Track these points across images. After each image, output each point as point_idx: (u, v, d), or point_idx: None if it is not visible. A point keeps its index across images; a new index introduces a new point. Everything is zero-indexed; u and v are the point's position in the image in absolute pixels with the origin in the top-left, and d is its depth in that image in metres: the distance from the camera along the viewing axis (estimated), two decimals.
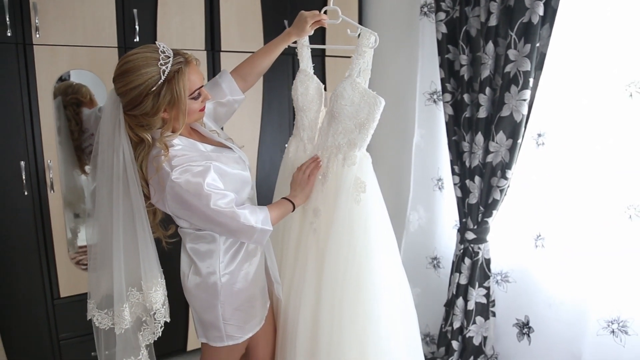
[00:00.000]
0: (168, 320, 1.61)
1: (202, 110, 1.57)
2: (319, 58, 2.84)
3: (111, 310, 1.55)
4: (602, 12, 1.94)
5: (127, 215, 1.51)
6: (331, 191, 1.72)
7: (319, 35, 2.73)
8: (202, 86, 1.53)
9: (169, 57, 1.43)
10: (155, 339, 1.63)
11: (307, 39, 1.88)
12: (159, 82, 1.41)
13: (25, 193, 2.24)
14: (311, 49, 1.94)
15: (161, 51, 1.43)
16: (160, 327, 1.59)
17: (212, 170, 1.48)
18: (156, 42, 1.48)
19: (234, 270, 1.62)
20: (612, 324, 2.00)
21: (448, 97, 2.42)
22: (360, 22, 3.00)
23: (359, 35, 1.71)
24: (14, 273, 2.27)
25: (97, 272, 1.58)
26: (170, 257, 1.77)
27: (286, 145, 1.98)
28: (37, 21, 2.15)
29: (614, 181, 1.96)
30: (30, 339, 2.35)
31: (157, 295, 1.55)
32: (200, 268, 1.60)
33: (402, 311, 1.80)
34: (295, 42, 1.87)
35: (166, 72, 1.41)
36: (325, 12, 1.81)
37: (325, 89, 1.89)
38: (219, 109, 1.81)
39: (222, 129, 1.85)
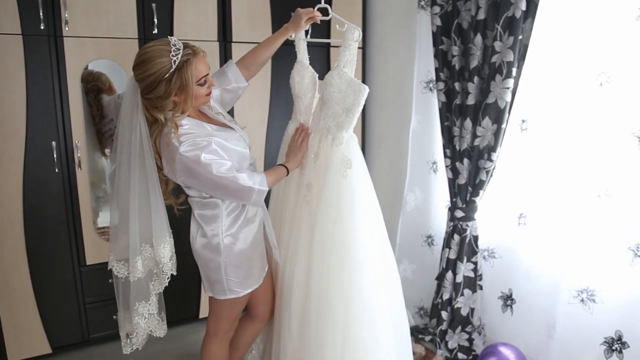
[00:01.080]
0: (174, 273, 1.85)
1: (208, 95, 1.80)
2: (324, 49, 3.04)
3: (127, 263, 1.81)
4: (578, 7, 2.10)
5: (143, 183, 1.75)
6: (322, 168, 1.93)
7: (324, 28, 2.93)
8: (207, 74, 1.75)
9: (179, 50, 1.66)
10: (163, 289, 1.87)
11: (303, 33, 2.07)
12: (171, 71, 1.64)
13: (56, 170, 2.50)
14: (308, 41, 2.13)
15: (173, 44, 1.66)
16: (167, 278, 1.84)
17: (213, 144, 1.71)
18: (168, 36, 1.71)
19: (235, 232, 1.85)
20: (582, 293, 2.19)
21: (441, 85, 2.61)
22: (364, 15, 3.19)
23: (345, 30, 1.90)
24: (47, 242, 2.54)
25: (116, 230, 1.84)
26: (181, 221, 2.00)
27: (289, 123, 2.20)
28: (66, 15, 2.39)
29: (586, 164, 2.13)
30: (61, 302, 2.63)
31: (165, 250, 1.80)
32: (206, 231, 1.84)
33: (385, 272, 1.99)
34: (292, 36, 2.06)
35: (177, 62, 1.64)
36: (318, 9, 2.00)
37: (319, 78, 2.08)
38: (225, 94, 2.03)
39: (231, 114, 2.07)
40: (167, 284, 1.87)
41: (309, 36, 2.12)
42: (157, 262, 1.82)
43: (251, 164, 1.94)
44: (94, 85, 2.64)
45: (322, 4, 2.02)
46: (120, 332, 1.94)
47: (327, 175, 1.89)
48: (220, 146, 1.73)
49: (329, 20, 2.02)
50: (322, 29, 2.88)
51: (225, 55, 2.80)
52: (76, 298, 2.66)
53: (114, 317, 2.01)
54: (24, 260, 2.50)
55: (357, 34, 1.86)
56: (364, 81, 3.26)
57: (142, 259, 1.80)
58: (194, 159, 1.68)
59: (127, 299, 1.86)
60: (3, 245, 2.44)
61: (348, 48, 1.87)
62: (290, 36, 2.05)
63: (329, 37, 2.96)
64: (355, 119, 1.90)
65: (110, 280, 1.91)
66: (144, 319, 1.86)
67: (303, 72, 2.06)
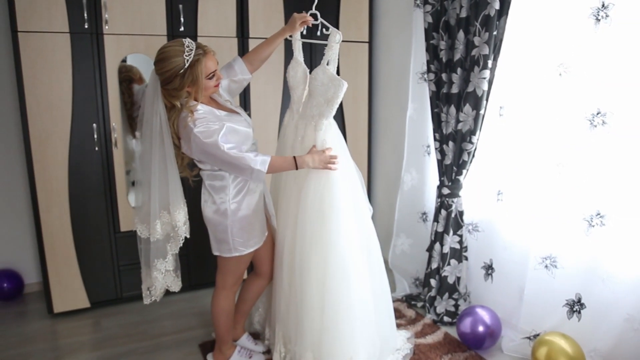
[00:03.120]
0: (188, 236, 2.20)
1: (217, 86, 2.14)
2: None
3: (149, 225, 2.17)
4: (541, 6, 2.38)
5: (161, 158, 2.10)
6: (306, 149, 2.24)
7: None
8: (215, 70, 2.09)
9: (192, 50, 2.00)
10: (177, 250, 2.22)
11: (299, 34, 2.39)
12: (184, 68, 1.99)
13: (96, 149, 2.92)
14: (309, 41, 2.47)
15: (186, 46, 2.00)
16: (182, 240, 2.19)
17: (225, 128, 2.05)
18: (183, 39, 2.04)
19: (239, 200, 2.20)
20: (546, 260, 2.46)
21: (432, 76, 2.91)
22: (370, 12, 3.51)
23: (329, 33, 2.21)
24: (87, 211, 2.97)
25: (140, 198, 2.21)
26: (196, 191, 2.37)
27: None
28: (106, 16, 2.80)
29: (547, 144, 2.41)
30: (98, 262, 3.05)
31: (180, 216, 2.15)
32: (215, 199, 2.19)
33: (362, 237, 2.29)
34: (290, 37, 2.39)
35: (189, 61, 1.99)
36: (311, 14, 2.32)
37: (310, 73, 2.38)
38: (232, 84, 2.38)
39: (247, 101, 2.38)
40: (181, 244, 2.21)
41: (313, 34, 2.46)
42: (173, 226, 2.16)
43: (253, 144, 2.28)
44: (127, 76, 3.04)
45: (313, 10, 2.34)
46: (142, 285, 2.29)
47: None
48: (232, 130, 2.07)
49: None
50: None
51: (243, 50, 3.17)
52: (111, 260, 3.08)
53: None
54: (68, 226, 2.93)
55: (338, 37, 2.19)
56: (369, 74, 3.58)
57: (161, 223, 2.14)
58: (207, 139, 2.02)
59: (148, 257, 2.22)
60: (51, 213, 2.87)
61: (331, 48, 2.20)
62: (289, 36, 2.38)
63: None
64: (334, 109, 2.20)
65: (140, 246, 2.29)
66: (161, 274, 2.21)
67: (297, 68, 2.38)
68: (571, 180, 2.33)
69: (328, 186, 2.19)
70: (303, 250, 2.22)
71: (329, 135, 2.22)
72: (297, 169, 2.16)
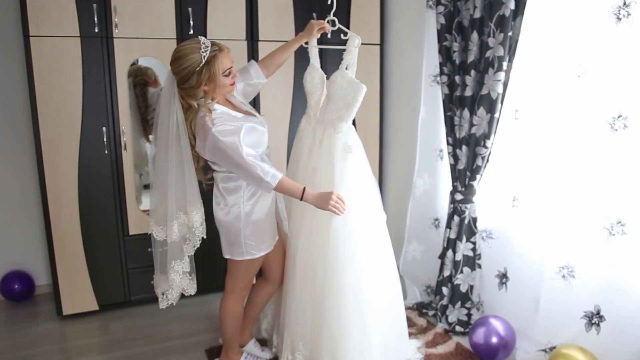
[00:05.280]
0: (204, 236, 2.18)
1: (232, 84, 2.12)
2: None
3: (165, 227, 2.14)
4: (559, 5, 2.29)
5: (178, 159, 2.09)
6: (325, 153, 2.22)
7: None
8: (231, 67, 2.07)
9: (208, 47, 1.99)
10: (194, 251, 2.19)
11: (315, 40, 2.37)
12: (201, 65, 1.98)
13: (106, 152, 2.92)
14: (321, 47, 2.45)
15: (202, 43, 1.99)
16: (199, 240, 2.17)
17: (244, 129, 2.03)
18: (199, 37, 2.04)
19: (253, 203, 2.17)
20: (563, 269, 2.36)
21: (445, 78, 2.84)
22: (382, 15, 3.45)
23: (348, 38, 2.20)
24: (97, 214, 2.96)
25: (156, 199, 2.18)
26: (210, 194, 2.33)
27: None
28: (116, 20, 2.80)
29: (565, 149, 2.31)
30: (107, 265, 3.05)
31: (197, 216, 2.13)
32: (229, 201, 2.16)
33: (376, 235, 2.26)
34: (307, 43, 2.37)
35: (205, 58, 1.98)
36: (328, 21, 2.30)
37: (327, 78, 2.36)
38: (247, 88, 2.37)
39: (257, 106, 2.36)
40: (198, 246, 2.19)
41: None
42: (190, 228, 2.14)
43: (267, 147, 2.25)
44: (141, 79, 3.05)
45: (331, 17, 2.31)
46: (156, 290, 2.27)
47: (331, 159, 2.19)
48: (251, 129, 2.05)
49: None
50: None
51: (252, 52, 3.14)
52: (120, 263, 3.07)
53: (152, 282, 2.38)
54: (77, 228, 2.93)
55: (357, 41, 2.17)
56: (381, 76, 3.52)
57: (178, 224, 2.12)
58: (223, 139, 1.99)
59: (164, 261, 2.20)
60: (61, 215, 2.88)
61: (350, 53, 2.19)
62: (305, 43, 2.36)
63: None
64: (353, 113, 2.19)
65: (149, 249, 2.26)
66: (178, 276, 2.18)
67: (314, 73, 2.38)
68: (590, 186, 2.23)
69: (350, 190, 2.15)
70: (318, 258, 2.18)
71: (350, 137, 2.20)
72: (300, 199, 2.11)
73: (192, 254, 2.21)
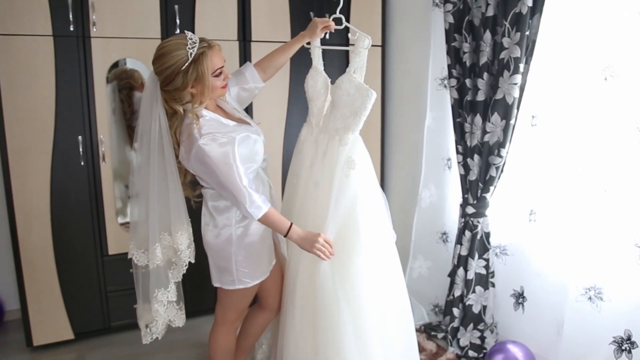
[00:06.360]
0: (192, 261, 1.92)
1: (224, 87, 1.87)
2: (343, 53, 3.10)
3: (147, 251, 1.88)
4: (582, 2, 2.10)
5: (162, 172, 1.84)
6: (328, 166, 1.99)
7: (344, 35, 3.00)
8: (222, 66, 1.82)
9: (195, 43, 1.74)
10: (181, 277, 1.94)
11: (318, 40, 2.15)
12: (187, 63, 1.73)
13: (82, 163, 2.64)
14: (323, 48, 2.21)
15: (189, 38, 1.75)
16: (185, 266, 1.91)
17: (236, 143, 1.78)
18: (185, 31, 1.80)
19: (246, 224, 1.91)
20: (589, 291, 2.15)
21: (454, 82, 2.63)
22: (384, 14, 3.24)
23: (356, 38, 1.97)
24: (71, 232, 2.67)
25: (136, 219, 1.93)
26: (198, 213, 2.08)
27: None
28: (94, 17, 2.53)
29: (591, 159, 2.12)
30: (83, 289, 2.75)
31: (183, 238, 1.88)
32: (218, 221, 1.91)
33: (385, 262, 2.02)
34: (309, 43, 2.15)
35: (193, 55, 1.73)
36: (333, 19, 2.08)
37: (331, 83, 2.14)
38: (242, 93, 2.12)
39: (250, 112, 2.14)
40: (184, 272, 1.93)
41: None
42: (176, 250, 1.89)
43: (264, 160, 2.03)
44: (127, 83, 2.79)
45: (337, 14, 2.10)
46: (140, 322, 2.01)
47: (333, 174, 1.96)
48: (240, 141, 1.80)
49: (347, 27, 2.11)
50: (343, 34, 2.92)
51: (244, 54, 2.90)
52: (98, 286, 2.79)
53: (134, 306, 2.13)
54: (50, 248, 2.64)
55: (367, 42, 1.94)
56: (383, 79, 3.31)
57: (162, 247, 1.87)
58: (211, 154, 1.75)
59: (147, 289, 1.93)
60: (31, 234, 2.59)
61: (358, 55, 1.95)
62: (307, 43, 2.13)
63: (348, 43, 3.04)
64: (361, 122, 1.96)
65: (130, 270, 2.01)
66: (163, 307, 1.92)
67: (316, 77, 2.15)
68: (619, 201, 2.03)
69: (352, 211, 1.92)
70: (325, 284, 1.94)
71: (355, 151, 1.96)
72: (284, 236, 1.90)
73: (179, 279, 1.95)
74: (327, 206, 1.95)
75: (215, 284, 2.02)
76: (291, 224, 1.89)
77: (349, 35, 2.10)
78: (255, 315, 2.25)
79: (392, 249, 2.09)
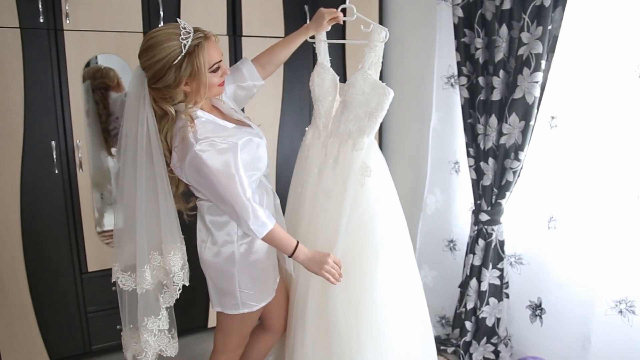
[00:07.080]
0: (187, 284, 1.69)
1: (222, 85, 1.65)
2: (338, 47, 2.89)
3: (134, 273, 1.64)
4: None
5: (150, 183, 1.60)
6: (341, 174, 1.80)
7: (339, 29, 2.80)
8: (220, 60, 1.60)
9: (190, 33, 1.52)
10: (174, 302, 1.71)
11: (324, 34, 1.96)
12: (181, 55, 1.50)
13: (56, 171, 2.36)
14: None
15: (182, 27, 1.52)
16: (179, 290, 1.68)
17: (238, 149, 1.56)
18: (177, 19, 1.57)
19: (250, 240, 1.69)
20: (620, 304, 2.03)
21: (464, 80, 2.46)
22: (381, 8, 3.05)
23: (370, 30, 1.78)
24: (46, 247, 2.40)
25: (121, 236, 1.69)
26: (192, 227, 1.86)
27: (306, 129, 2.08)
28: (67, 8, 2.26)
29: (625, 164, 1.98)
30: (60, 310, 2.49)
31: (176, 258, 1.64)
32: (218, 238, 1.68)
33: (407, 286, 1.85)
34: (313, 37, 1.94)
35: (187, 46, 1.50)
36: (342, 10, 1.88)
37: (341, 80, 1.96)
38: (239, 92, 1.89)
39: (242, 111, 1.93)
40: (177, 296, 1.70)
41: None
42: (167, 272, 1.66)
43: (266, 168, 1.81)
44: (102, 82, 2.53)
45: (347, 4, 1.90)
46: (126, 353, 1.77)
47: (347, 182, 1.77)
48: (243, 146, 1.59)
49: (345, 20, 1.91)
50: (336, 27, 2.73)
51: (235, 50, 2.67)
52: (77, 307, 2.52)
53: (118, 327, 1.88)
54: (21, 266, 2.37)
55: (384, 34, 1.75)
56: (381, 78, 3.09)
57: (151, 269, 1.64)
58: (209, 162, 1.53)
59: (134, 314, 1.69)
60: None
61: (374, 49, 1.76)
62: (311, 37, 1.93)
63: (344, 37, 2.84)
64: (377, 124, 1.78)
65: (113, 288, 1.77)
66: (153, 336, 1.68)
67: (323, 75, 1.96)
68: None
69: (370, 224, 1.73)
70: (339, 304, 1.75)
71: (371, 156, 1.76)
72: (290, 256, 1.68)
73: (172, 304, 1.72)
74: (339, 219, 1.76)
75: (216, 309, 1.79)
76: (297, 242, 1.69)
77: (362, 27, 1.89)
78: (257, 339, 2.03)
79: (413, 266, 1.91)
